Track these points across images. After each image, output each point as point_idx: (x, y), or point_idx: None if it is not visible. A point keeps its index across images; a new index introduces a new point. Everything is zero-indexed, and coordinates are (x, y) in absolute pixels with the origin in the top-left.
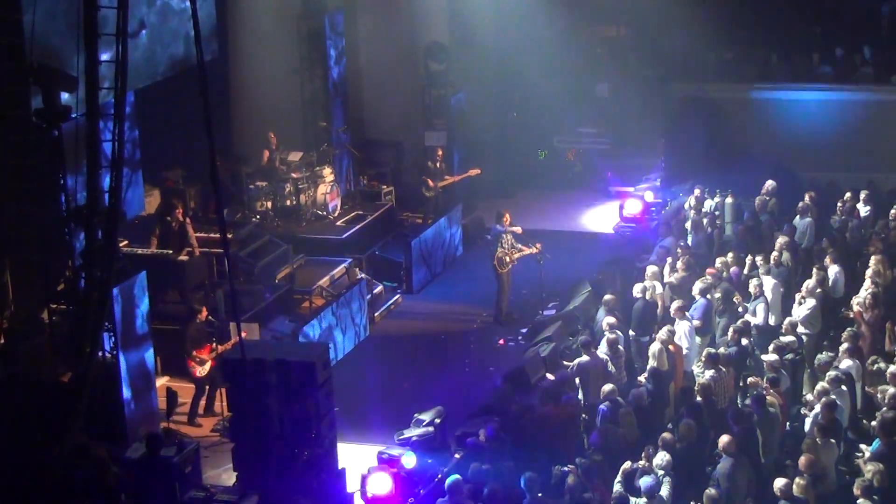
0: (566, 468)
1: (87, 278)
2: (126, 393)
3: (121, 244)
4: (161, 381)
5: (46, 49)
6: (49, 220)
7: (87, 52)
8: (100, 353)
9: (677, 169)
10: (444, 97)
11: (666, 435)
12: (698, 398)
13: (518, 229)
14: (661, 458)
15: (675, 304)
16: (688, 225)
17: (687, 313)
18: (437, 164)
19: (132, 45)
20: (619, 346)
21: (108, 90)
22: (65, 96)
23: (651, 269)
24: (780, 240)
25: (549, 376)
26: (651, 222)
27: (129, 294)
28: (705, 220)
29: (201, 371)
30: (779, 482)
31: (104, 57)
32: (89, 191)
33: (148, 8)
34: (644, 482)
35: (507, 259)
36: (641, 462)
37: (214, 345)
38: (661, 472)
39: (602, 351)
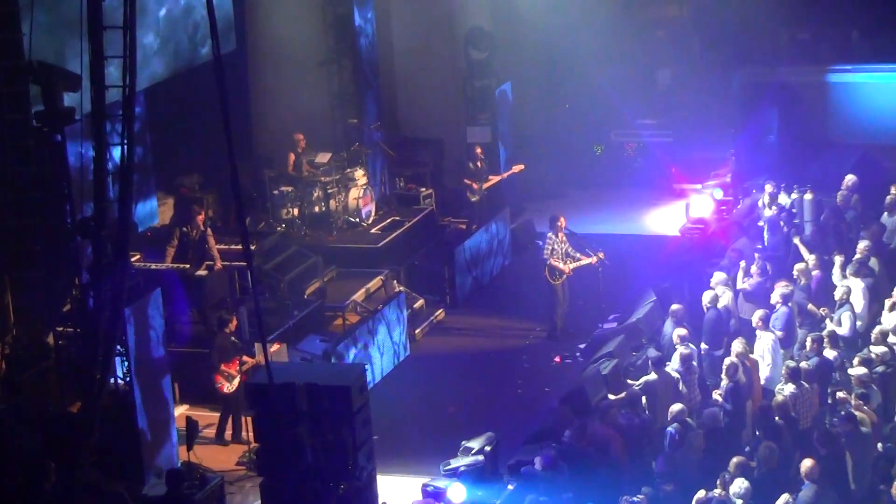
0: (634, 499)
1: (97, 297)
2: (142, 423)
3: (133, 259)
4: (180, 410)
5: (47, 45)
6: (53, 233)
7: (92, 47)
8: (112, 381)
9: (749, 163)
10: (488, 88)
11: (742, 459)
12: (778, 418)
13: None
14: (739, 485)
15: (758, 314)
16: (762, 224)
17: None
18: (479, 164)
19: (141, 39)
20: (693, 362)
21: (115, 89)
22: (68, 97)
23: (718, 276)
24: (865, 240)
25: (611, 397)
26: (721, 223)
27: (143, 314)
28: (782, 220)
29: (229, 388)
30: None
31: (110, 53)
32: (97, 200)
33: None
34: None
35: (561, 269)
36: (717, 491)
37: (243, 358)
38: (738, 502)
39: (673, 367)
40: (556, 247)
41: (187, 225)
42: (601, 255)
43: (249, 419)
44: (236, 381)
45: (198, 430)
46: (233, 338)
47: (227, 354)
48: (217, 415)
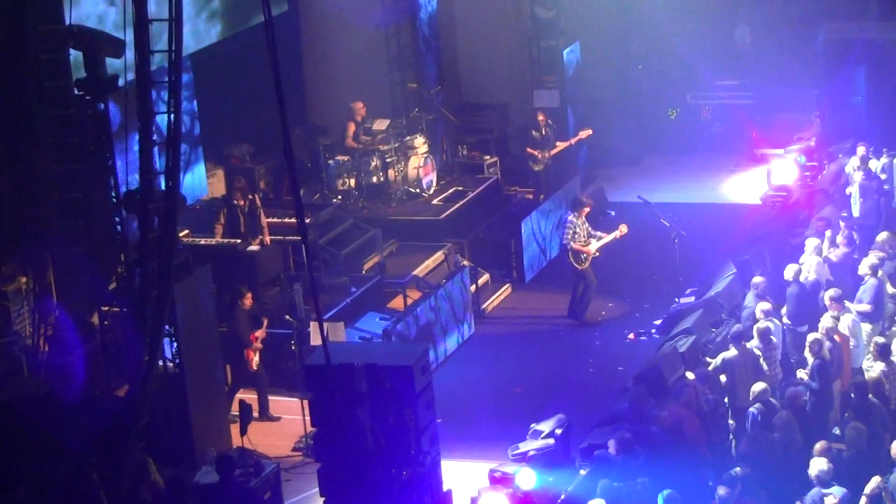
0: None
1: (143, 275)
2: (192, 408)
3: (181, 234)
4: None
5: (87, 9)
6: (97, 208)
7: (135, 9)
8: (160, 362)
9: (835, 125)
10: (556, 49)
11: (824, 443)
12: (871, 396)
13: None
14: (818, 466)
15: (830, 294)
16: (850, 191)
17: (849, 302)
18: (543, 132)
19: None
20: (773, 337)
21: (160, 54)
22: (111, 63)
23: (811, 243)
24: None
25: (689, 375)
26: (806, 190)
27: (193, 292)
28: (872, 185)
29: (257, 362)
30: None
31: (155, 15)
32: (142, 172)
33: None
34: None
35: (586, 251)
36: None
37: (256, 334)
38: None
39: (753, 343)
40: (577, 230)
41: (234, 198)
42: (624, 228)
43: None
44: (257, 357)
45: (252, 415)
46: (260, 315)
47: (247, 330)
48: (272, 398)
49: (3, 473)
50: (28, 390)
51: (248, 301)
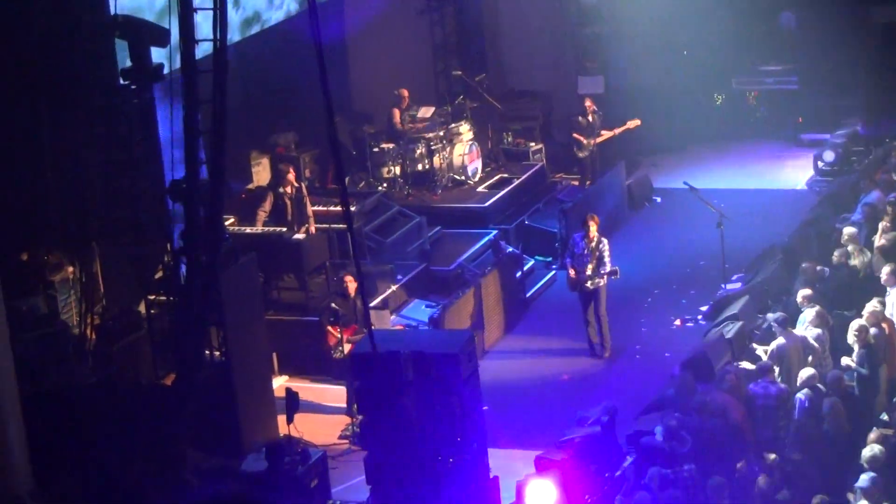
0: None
1: (190, 264)
2: (239, 396)
3: (227, 223)
4: (279, 381)
5: None
6: (143, 197)
7: None
8: (207, 351)
9: (882, 110)
10: (600, 35)
11: (881, 432)
12: None
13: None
14: (870, 451)
15: (887, 269)
16: None
17: None
18: (589, 118)
19: None
20: (822, 324)
21: (205, 43)
22: (156, 52)
23: (849, 231)
24: None
25: (747, 365)
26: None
27: (239, 280)
28: None
29: (338, 354)
30: None
31: (199, 4)
32: (188, 162)
33: None
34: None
35: (573, 279)
36: None
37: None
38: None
39: (801, 330)
40: (576, 250)
41: (281, 186)
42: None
43: None
44: (347, 348)
45: (298, 402)
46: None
47: (347, 320)
48: (318, 386)
49: (50, 463)
50: (75, 380)
51: (352, 289)
